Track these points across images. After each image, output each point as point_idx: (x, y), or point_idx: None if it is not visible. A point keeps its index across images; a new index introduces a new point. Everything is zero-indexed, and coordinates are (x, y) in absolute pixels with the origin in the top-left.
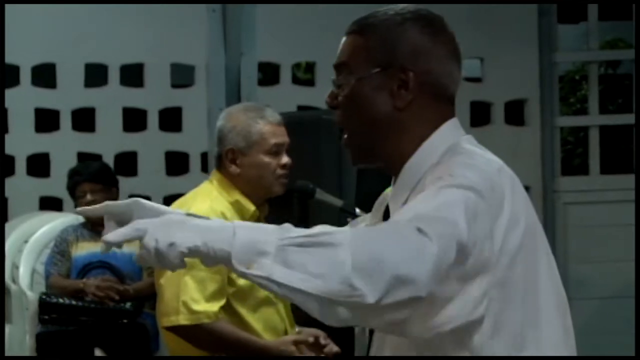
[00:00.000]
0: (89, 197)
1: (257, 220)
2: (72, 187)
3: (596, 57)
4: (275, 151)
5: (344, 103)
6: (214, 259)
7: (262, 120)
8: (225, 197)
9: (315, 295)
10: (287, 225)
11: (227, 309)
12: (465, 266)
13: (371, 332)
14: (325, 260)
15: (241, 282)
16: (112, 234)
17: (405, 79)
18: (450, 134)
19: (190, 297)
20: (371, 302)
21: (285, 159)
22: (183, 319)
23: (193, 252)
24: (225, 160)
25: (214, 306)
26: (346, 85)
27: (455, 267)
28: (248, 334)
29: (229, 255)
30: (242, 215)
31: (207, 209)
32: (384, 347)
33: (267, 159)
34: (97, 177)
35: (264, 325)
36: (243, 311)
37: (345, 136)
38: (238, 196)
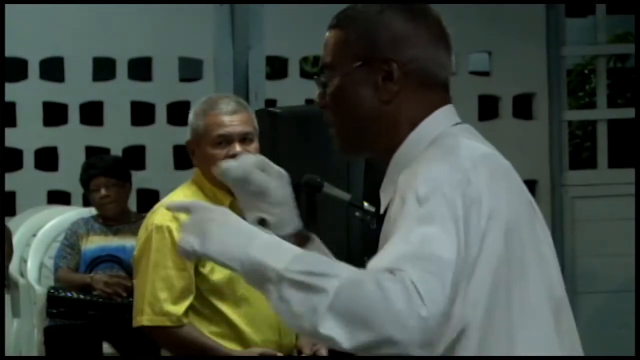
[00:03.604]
0: (103, 191)
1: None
2: (87, 180)
3: (604, 51)
4: (220, 142)
5: (330, 102)
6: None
7: (212, 111)
8: (205, 191)
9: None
10: (302, 253)
11: (206, 305)
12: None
13: None
14: (307, 303)
15: (215, 277)
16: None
17: (389, 70)
18: (438, 123)
19: (155, 297)
20: (347, 348)
21: (235, 149)
22: (146, 320)
23: (209, 258)
24: (188, 152)
25: (180, 308)
26: (330, 83)
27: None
28: (213, 341)
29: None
30: None
31: None
32: None
33: (213, 151)
34: (112, 172)
35: (248, 320)
36: (224, 307)
37: (333, 130)
38: (213, 189)
